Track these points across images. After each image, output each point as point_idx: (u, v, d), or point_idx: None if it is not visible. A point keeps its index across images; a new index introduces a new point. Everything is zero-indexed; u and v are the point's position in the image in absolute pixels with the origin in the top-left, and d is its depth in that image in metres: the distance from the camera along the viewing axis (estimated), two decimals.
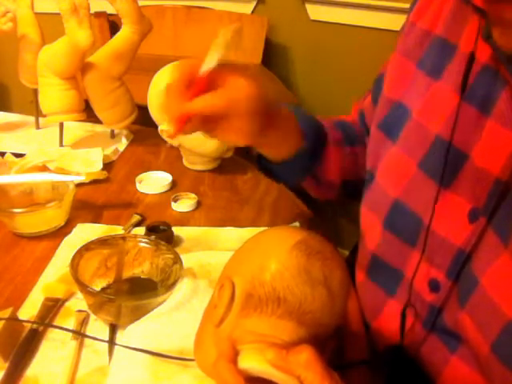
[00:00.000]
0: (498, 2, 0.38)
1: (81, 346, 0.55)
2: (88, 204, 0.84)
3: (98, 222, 0.78)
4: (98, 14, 1.78)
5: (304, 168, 0.71)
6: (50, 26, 1.09)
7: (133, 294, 0.62)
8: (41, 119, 1.12)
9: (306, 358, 0.38)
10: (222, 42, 0.51)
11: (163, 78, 0.93)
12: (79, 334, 0.56)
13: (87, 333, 0.57)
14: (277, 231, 0.50)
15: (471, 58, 0.49)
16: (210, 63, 0.50)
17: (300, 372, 0.38)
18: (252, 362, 0.40)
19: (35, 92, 1.05)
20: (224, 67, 0.53)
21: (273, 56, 1.90)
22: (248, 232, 0.77)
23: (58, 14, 0.88)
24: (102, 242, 0.63)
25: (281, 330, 0.43)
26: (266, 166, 0.71)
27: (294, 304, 0.43)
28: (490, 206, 0.48)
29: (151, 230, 0.72)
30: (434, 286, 0.55)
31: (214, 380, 0.47)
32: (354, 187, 0.76)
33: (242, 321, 0.44)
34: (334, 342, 0.48)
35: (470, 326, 0.49)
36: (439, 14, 0.56)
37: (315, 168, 0.71)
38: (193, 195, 0.86)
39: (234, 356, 0.40)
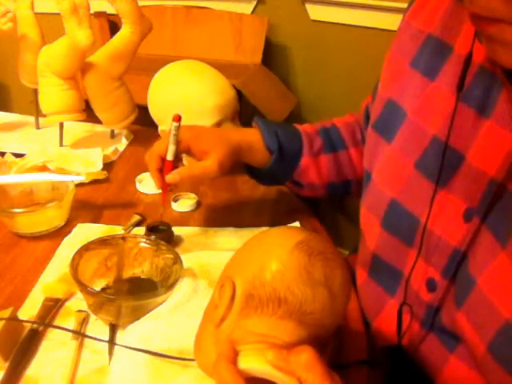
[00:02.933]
0: (477, 18, 0.39)
1: (81, 346, 0.55)
2: (88, 204, 0.84)
3: (98, 222, 0.78)
4: (98, 14, 1.78)
5: (279, 175, 0.79)
6: (50, 26, 1.09)
7: (133, 294, 0.62)
8: (41, 119, 1.12)
9: (306, 359, 0.38)
10: (171, 138, 0.69)
11: (163, 78, 0.93)
12: (79, 334, 0.56)
13: (87, 333, 0.57)
14: (278, 231, 0.50)
15: (468, 59, 0.49)
16: (170, 155, 0.69)
17: (300, 373, 0.38)
18: (252, 362, 0.40)
19: (35, 92, 1.05)
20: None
21: (273, 56, 1.90)
22: (248, 232, 0.77)
23: (58, 14, 0.87)
24: (102, 242, 0.63)
25: (281, 330, 0.43)
26: (247, 168, 0.79)
27: (295, 304, 0.43)
28: (484, 206, 0.48)
29: (151, 230, 0.72)
30: (431, 285, 0.55)
31: (214, 380, 0.47)
32: (342, 188, 0.81)
33: (242, 321, 0.44)
34: (334, 342, 0.48)
35: (466, 326, 0.49)
36: (434, 14, 0.56)
37: (291, 175, 0.78)
38: (193, 195, 0.86)
39: (234, 357, 0.40)
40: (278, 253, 0.46)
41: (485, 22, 0.39)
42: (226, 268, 0.51)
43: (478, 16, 0.39)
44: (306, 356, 0.38)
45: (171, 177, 0.68)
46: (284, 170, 0.77)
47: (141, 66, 1.19)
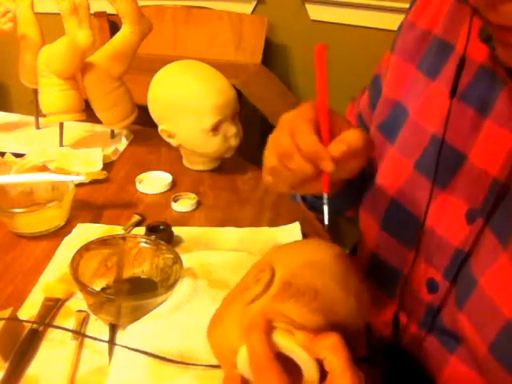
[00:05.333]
0: (501, 28, 0.38)
1: (81, 346, 0.55)
2: (88, 204, 0.84)
3: (98, 222, 0.78)
4: (98, 14, 1.79)
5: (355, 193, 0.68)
6: (50, 26, 1.09)
7: (133, 294, 0.62)
8: (41, 119, 1.12)
9: (332, 342, 0.39)
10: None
11: (163, 79, 0.93)
12: (79, 334, 0.56)
13: (87, 333, 0.57)
14: (322, 241, 0.53)
15: (463, 60, 0.48)
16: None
17: (325, 354, 0.38)
18: (280, 337, 0.40)
19: (35, 92, 1.05)
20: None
21: (273, 56, 1.90)
22: (248, 232, 0.77)
23: (58, 14, 0.87)
24: (102, 242, 0.63)
25: (308, 323, 0.43)
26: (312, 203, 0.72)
27: (328, 303, 0.44)
28: (488, 207, 0.48)
29: (151, 230, 0.72)
30: (431, 286, 0.55)
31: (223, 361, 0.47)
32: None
33: (275, 303, 0.45)
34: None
35: (467, 327, 0.49)
36: (438, 13, 0.56)
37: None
38: (193, 195, 0.86)
39: (268, 329, 0.41)
40: (322, 255, 0.48)
41: (506, 31, 0.38)
42: (267, 257, 0.52)
43: (504, 27, 0.38)
44: (333, 339, 0.39)
45: (337, 147, 0.46)
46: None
47: (141, 66, 1.19)
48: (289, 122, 0.48)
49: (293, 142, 0.46)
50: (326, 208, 0.49)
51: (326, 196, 0.49)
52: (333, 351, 0.38)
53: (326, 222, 0.50)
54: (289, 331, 0.41)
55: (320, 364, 0.39)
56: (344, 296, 0.45)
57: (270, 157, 0.49)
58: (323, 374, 0.39)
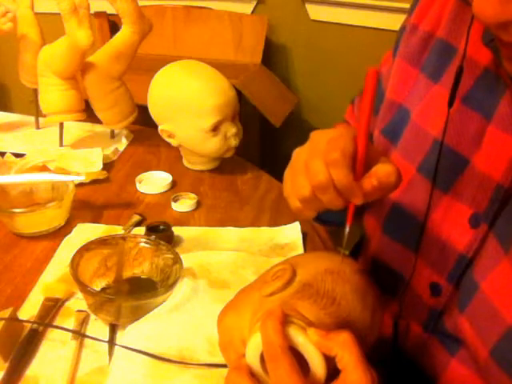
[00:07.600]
0: (510, 46, 0.37)
1: (81, 346, 0.55)
2: (88, 204, 0.84)
3: (98, 222, 0.78)
4: (98, 14, 1.78)
5: None
6: (50, 26, 1.09)
7: (133, 294, 0.62)
8: (41, 119, 1.12)
9: (344, 338, 0.39)
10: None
11: (163, 78, 0.93)
12: (79, 334, 0.56)
13: (87, 333, 0.57)
14: (347, 255, 0.53)
15: (461, 66, 0.48)
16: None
17: (337, 350, 0.39)
18: (293, 331, 0.41)
19: (35, 92, 1.05)
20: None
21: (273, 56, 1.90)
22: (248, 232, 0.77)
23: (58, 14, 0.88)
24: (102, 242, 0.63)
25: (323, 326, 0.44)
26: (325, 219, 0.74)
27: (344, 313, 0.45)
28: (492, 211, 0.48)
29: (151, 230, 0.72)
30: (435, 290, 0.55)
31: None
32: None
33: (293, 300, 0.45)
34: None
35: (468, 331, 0.49)
36: (441, 15, 0.55)
37: None
38: (193, 195, 0.86)
39: (284, 320, 0.41)
40: (346, 267, 0.49)
41: None
42: (288, 260, 0.52)
43: None
44: (345, 336, 0.39)
45: (369, 181, 0.45)
46: None
47: (141, 66, 1.19)
48: (324, 148, 0.45)
49: (329, 174, 0.44)
50: (346, 235, 0.49)
51: (347, 227, 0.49)
52: (344, 347, 0.38)
53: (344, 248, 0.52)
54: (302, 328, 0.41)
55: (332, 363, 0.39)
56: (360, 309, 0.46)
57: (304, 187, 0.47)
58: (335, 373, 0.39)
